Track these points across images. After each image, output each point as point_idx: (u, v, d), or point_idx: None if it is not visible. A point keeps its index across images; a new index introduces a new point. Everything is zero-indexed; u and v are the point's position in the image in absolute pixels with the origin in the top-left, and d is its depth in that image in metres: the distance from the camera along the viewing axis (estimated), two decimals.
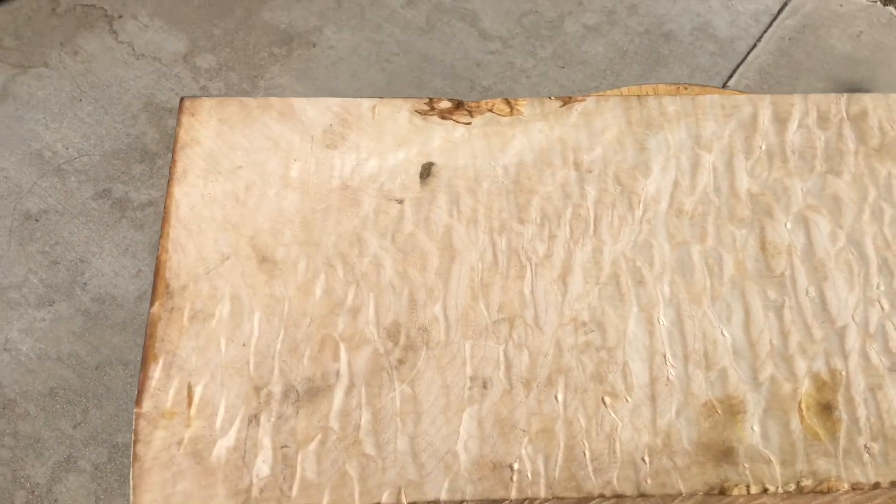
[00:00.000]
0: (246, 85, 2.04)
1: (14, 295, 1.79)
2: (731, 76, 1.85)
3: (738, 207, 0.66)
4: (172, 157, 0.64)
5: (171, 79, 2.08)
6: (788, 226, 0.66)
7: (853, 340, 0.62)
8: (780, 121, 0.70)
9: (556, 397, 0.59)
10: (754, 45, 1.87)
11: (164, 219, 0.63)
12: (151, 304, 0.60)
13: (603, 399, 0.59)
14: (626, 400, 0.59)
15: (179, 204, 0.63)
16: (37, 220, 1.85)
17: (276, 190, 0.64)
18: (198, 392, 0.57)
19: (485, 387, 0.59)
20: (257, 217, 0.63)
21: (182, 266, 0.61)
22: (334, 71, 1.91)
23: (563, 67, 2.00)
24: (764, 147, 0.69)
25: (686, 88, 0.83)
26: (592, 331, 0.61)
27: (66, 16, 2.12)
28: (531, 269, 0.63)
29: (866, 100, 0.71)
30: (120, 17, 2.10)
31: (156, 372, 0.58)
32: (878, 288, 0.64)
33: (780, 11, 1.92)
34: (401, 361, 0.59)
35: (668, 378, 0.60)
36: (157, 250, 0.61)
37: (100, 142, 1.97)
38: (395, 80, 1.92)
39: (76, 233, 1.86)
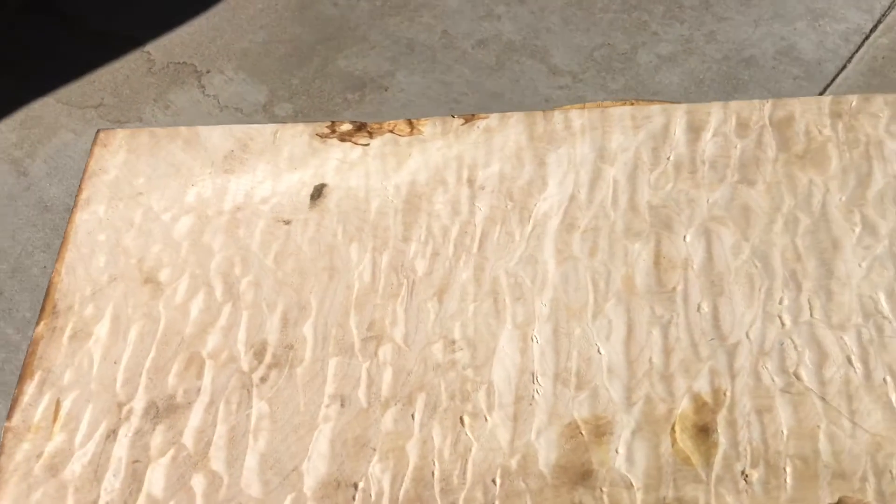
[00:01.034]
0: None
1: None
2: None
3: (634, 221, 0.63)
4: (80, 185, 0.67)
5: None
6: (687, 239, 0.62)
7: (744, 359, 0.57)
8: (694, 130, 0.66)
9: (412, 416, 0.57)
10: (844, 67, 1.77)
11: (62, 245, 0.65)
12: (37, 323, 0.63)
13: (461, 418, 0.57)
14: (486, 420, 0.57)
15: (78, 229, 0.66)
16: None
17: (171, 214, 0.66)
18: (65, 407, 0.59)
19: (342, 405, 0.58)
20: (148, 240, 0.65)
21: (71, 287, 0.64)
22: (405, 113, 1.94)
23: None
24: (672, 158, 0.65)
25: (633, 104, 0.80)
26: (461, 349, 0.59)
27: (160, 73, 2.26)
28: (407, 287, 0.62)
29: (794, 104, 0.66)
30: (208, 72, 2.22)
31: (30, 388, 0.60)
32: (780, 303, 0.58)
33: (872, 30, 1.82)
34: (263, 379, 0.59)
35: (533, 397, 0.57)
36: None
37: None
38: None
39: None
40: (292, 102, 2.09)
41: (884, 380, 0.55)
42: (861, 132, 0.64)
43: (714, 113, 0.66)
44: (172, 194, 0.67)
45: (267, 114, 2.05)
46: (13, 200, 2.10)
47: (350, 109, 2.04)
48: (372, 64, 2.09)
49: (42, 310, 0.63)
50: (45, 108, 2.28)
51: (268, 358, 0.60)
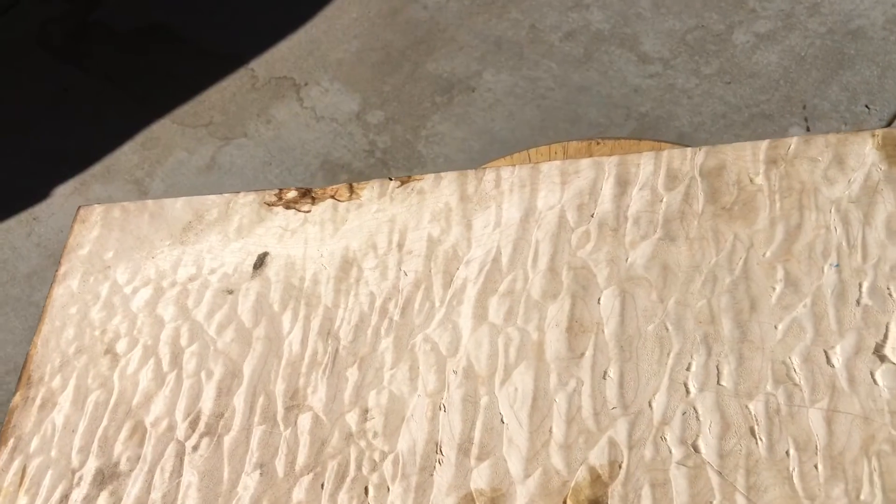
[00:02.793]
0: (409, 135, 2.16)
1: None
2: None
3: (552, 283, 0.62)
4: (60, 261, 0.74)
5: (344, 137, 2.26)
6: (602, 301, 0.60)
7: (644, 429, 0.55)
8: (622, 184, 0.64)
9: (322, 486, 0.59)
10: None
11: (40, 318, 0.72)
12: (14, 393, 0.69)
13: (366, 488, 0.58)
14: (388, 490, 0.58)
15: (55, 303, 0.72)
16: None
17: (132, 287, 0.71)
18: (29, 472, 0.65)
19: (261, 475, 0.61)
20: (111, 313, 0.70)
21: (44, 359, 0.70)
22: (491, 113, 1.96)
23: (729, 83, 1.90)
24: (596, 215, 0.64)
25: (599, 144, 0.78)
26: (373, 418, 0.61)
27: (263, 89, 2.37)
28: (332, 356, 0.64)
29: (727, 151, 0.63)
30: (306, 84, 2.31)
31: (3, 453, 0.67)
32: (688, 369, 0.57)
33: None
34: (194, 448, 0.63)
35: (435, 468, 0.58)
36: None
37: None
38: (549, 116, 1.95)
39: None
40: (383, 109, 2.14)
41: (786, 453, 0.52)
42: (796, 179, 0.61)
43: (644, 165, 0.64)
44: (135, 267, 0.72)
45: (360, 122, 2.12)
46: None
47: (438, 113, 2.08)
48: (460, 65, 2.11)
49: (19, 380, 0.69)
50: (161, 128, 2.44)
51: (201, 427, 0.64)
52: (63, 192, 2.34)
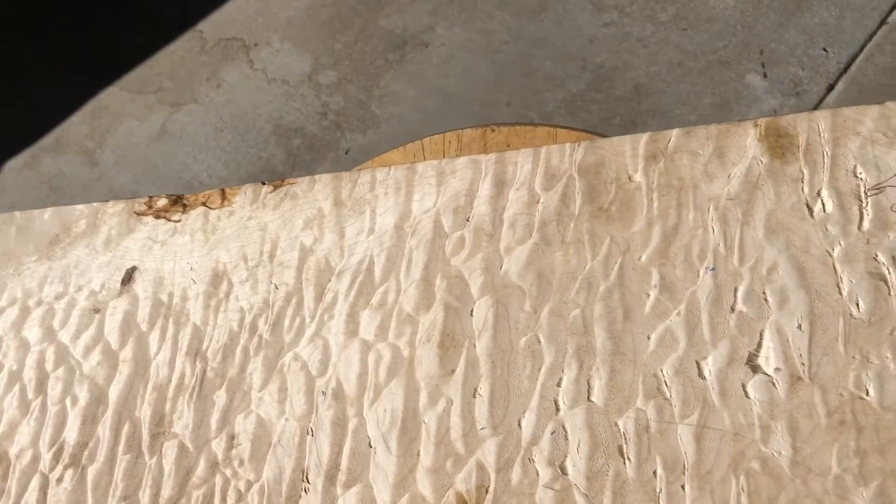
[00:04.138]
0: (363, 95, 2.11)
1: None
2: None
3: (425, 294, 0.59)
4: None
5: (297, 99, 2.21)
6: (475, 313, 0.57)
7: (512, 450, 0.53)
8: (499, 184, 0.61)
9: None
10: None
11: None
12: None
13: None
14: None
15: None
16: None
17: None
18: None
19: None
20: None
21: None
22: (445, 70, 1.92)
23: (685, 29, 1.87)
24: (472, 219, 0.60)
25: (493, 131, 0.74)
26: (240, 444, 0.58)
27: (212, 52, 2.31)
28: (198, 380, 0.61)
29: (606, 146, 0.60)
30: (256, 45, 2.25)
31: None
32: (558, 384, 0.54)
33: None
34: (59, 480, 0.60)
35: (300, 496, 0.55)
36: None
37: (237, 168, 2.13)
38: (504, 71, 1.91)
39: None
40: (336, 69, 2.09)
41: (654, 473, 0.50)
42: (675, 175, 0.58)
43: (522, 163, 0.61)
44: (1, 286, 0.68)
45: (312, 83, 2.07)
46: (88, 191, 2.21)
47: (391, 71, 2.03)
48: (412, 19, 2.06)
49: None
50: (110, 97, 2.37)
51: (65, 458, 0.61)
52: (13, 167, 2.28)
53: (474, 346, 0.56)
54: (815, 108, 1.77)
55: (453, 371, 0.56)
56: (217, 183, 2.08)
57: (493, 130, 0.74)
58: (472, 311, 0.57)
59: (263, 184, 0.66)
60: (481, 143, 0.74)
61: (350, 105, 2.10)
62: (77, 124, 2.29)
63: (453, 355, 0.56)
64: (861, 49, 1.80)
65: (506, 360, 0.55)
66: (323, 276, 0.62)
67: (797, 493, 0.47)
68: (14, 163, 2.24)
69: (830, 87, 1.77)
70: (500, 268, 0.58)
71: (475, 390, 0.55)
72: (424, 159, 0.76)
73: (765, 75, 1.83)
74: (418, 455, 0.54)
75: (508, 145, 0.73)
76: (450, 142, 0.76)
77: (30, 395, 0.64)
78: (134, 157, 2.19)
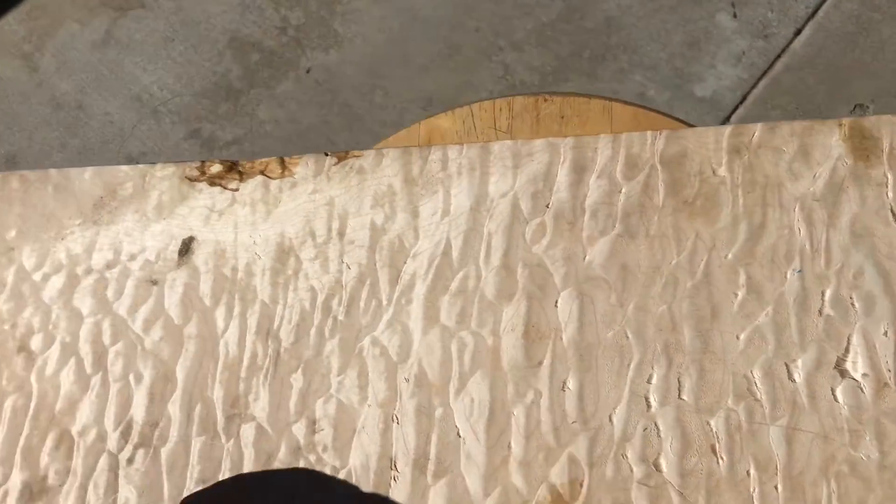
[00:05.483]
0: (324, 11, 2.04)
1: None
2: None
3: (507, 282, 0.59)
4: None
5: (253, 11, 2.11)
6: (559, 304, 0.58)
7: (605, 445, 0.54)
8: (578, 170, 0.60)
9: None
10: None
11: None
12: None
13: None
14: None
15: None
16: (137, 163, 1.96)
17: (41, 273, 0.65)
18: None
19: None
20: (20, 303, 0.64)
21: None
22: None
23: None
24: (552, 205, 0.60)
25: (546, 101, 0.73)
26: (322, 429, 0.58)
27: None
28: (272, 360, 0.60)
29: (689, 137, 0.60)
30: None
31: None
32: (649, 381, 0.55)
33: None
34: (129, 461, 0.59)
35: (389, 486, 0.56)
36: None
37: (190, 82, 2.04)
38: None
39: None
40: None
41: (747, 473, 0.52)
42: (760, 172, 0.58)
43: (601, 149, 0.60)
44: (43, 250, 0.65)
45: None
46: (27, 98, 2.09)
47: None
48: None
49: None
50: None
51: (134, 437, 0.60)
52: None
53: (560, 338, 0.57)
54: (782, 53, 1.78)
55: (540, 363, 0.57)
56: (169, 97, 1.99)
57: (545, 100, 0.72)
58: (556, 301, 0.58)
59: (326, 154, 0.64)
60: (534, 112, 0.73)
61: (311, 21, 2.02)
62: (12, 24, 2.14)
63: (539, 347, 0.57)
64: None
65: (593, 353, 0.56)
66: (397, 257, 0.61)
67: (885, 495, 0.50)
68: None
69: (798, 32, 1.78)
70: (584, 258, 0.58)
71: (563, 383, 0.56)
72: (475, 126, 0.74)
73: (735, 15, 1.83)
74: (509, 447, 0.55)
75: (562, 116, 0.72)
76: (500, 109, 0.74)
77: (88, 370, 0.62)
78: (77, 64, 2.08)
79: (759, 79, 1.79)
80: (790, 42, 1.78)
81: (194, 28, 2.11)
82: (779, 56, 1.79)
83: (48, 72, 2.11)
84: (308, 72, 1.98)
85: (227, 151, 1.96)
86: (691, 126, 0.73)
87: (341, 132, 1.93)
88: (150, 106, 2.02)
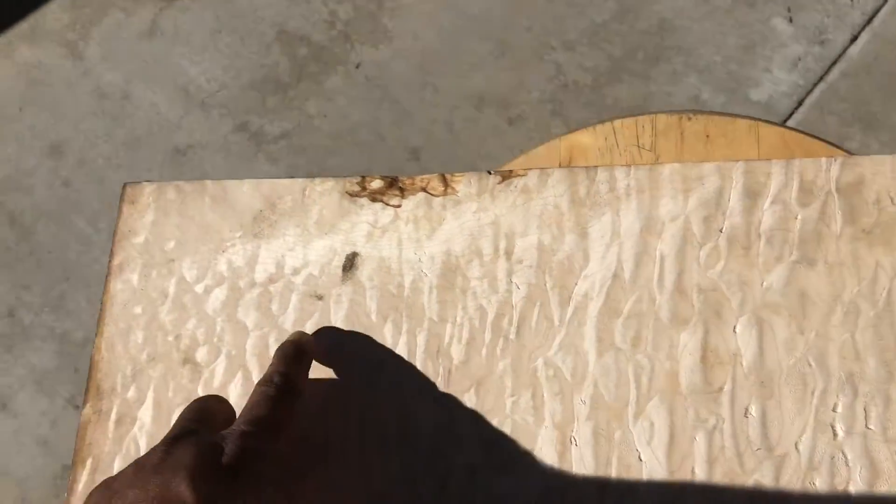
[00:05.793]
0: (373, 6, 2.03)
1: None
2: None
3: (681, 307, 0.59)
4: (112, 248, 0.66)
5: (301, 4, 2.11)
6: (738, 329, 0.58)
7: (791, 473, 0.55)
8: (752, 195, 0.61)
9: None
10: None
11: (99, 317, 0.65)
12: (83, 404, 0.64)
13: None
14: None
15: (114, 300, 0.65)
16: (184, 155, 1.97)
17: (203, 285, 0.65)
18: None
19: None
20: (183, 315, 0.64)
21: (112, 367, 0.64)
22: None
23: None
24: (725, 230, 0.60)
25: (690, 119, 0.73)
26: (499, 449, 0.58)
27: None
28: (443, 377, 0.60)
29: (865, 164, 0.60)
30: None
31: (83, 475, 0.62)
32: (834, 409, 0.56)
33: None
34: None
35: None
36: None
37: (238, 74, 2.04)
38: None
39: (218, 166, 1.96)
40: None
41: None
42: None
43: (774, 174, 0.61)
44: (204, 262, 0.65)
45: None
46: (72, 87, 2.09)
47: None
48: None
49: (86, 389, 0.64)
50: None
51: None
52: None
53: (741, 363, 0.57)
54: (838, 59, 1.78)
55: (720, 388, 0.57)
56: (216, 89, 1.99)
57: (689, 119, 0.73)
58: (734, 327, 0.58)
59: (489, 173, 0.64)
60: (677, 130, 0.73)
61: (360, 16, 2.01)
62: (56, 11, 2.14)
63: (719, 372, 0.57)
64: (885, 1, 1.81)
65: (775, 380, 0.57)
66: (567, 278, 0.61)
67: None
68: None
69: (854, 38, 1.79)
70: (761, 284, 0.59)
71: (746, 409, 0.56)
72: (617, 143, 0.75)
73: (790, 20, 1.83)
74: (692, 471, 0.56)
75: (707, 136, 0.72)
76: (643, 126, 0.74)
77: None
78: (122, 54, 2.07)
79: (815, 84, 1.79)
80: (846, 48, 1.79)
81: (241, 20, 2.10)
82: (835, 62, 1.79)
83: (93, 61, 2.10)
84: (357, 67, 1.98)
85: (275, 145, 1.96)
86: (836, 147, 0.73)
87: (391, 128, 1.93)
88: (198, 98, 2.02)
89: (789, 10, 1.79)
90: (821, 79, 1.76)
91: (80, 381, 1.84)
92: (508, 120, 1.85)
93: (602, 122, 0.75)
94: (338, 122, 1.91)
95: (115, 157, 1.94)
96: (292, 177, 1.92)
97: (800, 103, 1.77)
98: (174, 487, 0.47)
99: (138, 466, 0.49)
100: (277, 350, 0.58)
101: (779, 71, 1.77)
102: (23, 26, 2.08)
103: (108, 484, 0.50)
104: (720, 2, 1.83)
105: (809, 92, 1.76)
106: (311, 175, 1.95)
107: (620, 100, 1.81)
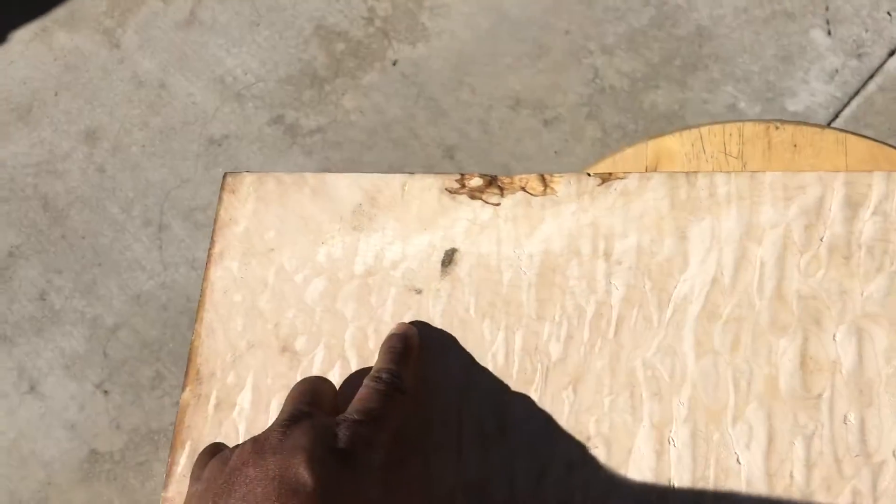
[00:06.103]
0: (412, 4, 2.04)
1: (201, 217, 1.93)
2: None
3: (781, 313, 0.60)
4: (212, 236, 0.67)
5: (340, 0, 2.11)
6: (837, 337, 0.59)
7: (889, 479, 0.56)
8: (853, 206, 0.62)
9: None
10: None
11: (199, 302, 0.66)
12: (183, 388, 0.65)
13: None
14: None
15: (214, 287, 0.66)
16: (219, 145, 1.98)
17: (302, 275, 0.66)
18: None
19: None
20: (282, 304, 0.65)
21: (211, 352, 0.65)
22: None
23: None
24: (826, 239, 0.61)
25: (777, 129, 0.74)
26: (597, 447, 0.59)
27: None
28: (541, 374, 0.61)
29: None
30: None
31: (182, 458, 0.63)
32: None
33: None
34: None
35: None
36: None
37: (275, 67, 2.05)
38: None
39: (253, 158, 1.97)
40: None
41: None
42: None
43: (875, 185, 0.62)
44: (303, 252, 0.66)
45: None
46: (108, 74, 2.09)
47: None
48: None
49: (186, 374, 0.65)
50: None
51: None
52: (22, 38, 2.14)
53: (840, 371, 0.58)
54: (875, 73, 1.79)
55: (819, 395, 0.58)
56: (252, 81, 2.00)
57: (776, 128, 0.74)
58: (833, 335, 0.59)
59: (589, 175, 0.65)
60: (765, 139, 0.74)
61: (398, 13, 2.02)
62: None
63: (818, 379, 0.59)
64: None
65: (874, 389, 0.58)
66: (667, 281, 0.62)
67: None
68: (23, 33, 2.09)
69: (892, 52, 1.79)
70: (861, 294, 0.60)
71: (845, 416, 0.58)
72: (703, 149, 0.76)
73: (829, 32, 1.84)
74: (791, 476, 0.57)
75: (795, 145, 0.73)
76: (730, 134, 0.75)
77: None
78: (160, 42, 2.08)
79: (852, 97, 1.80)
80: (884, 62, 1.80)
81: (280, 14, 2.11)
82: (872, 76, 1.80)
83: (130, 48, 2.11)
84: (395, 64, 1.98)
85: (310, 139, 1.97)
86: None
87: (427, 126, 1.94)
88: (234, 89, 2.03)
89: (828, 22, 1.80)
90: (857, 92, 1.77)
91: (109, 365, 1.85)
92: (544, 121, 1.86)
93: (688, 127, 0.76)
94: (373, 117, 1.92)
95: (149, 145, 1.95)
96: (328, 170, 1.92)
97: (836, 115, 1.78)
98: (293, 469, 0.48)
99: (257, 445, 0.50)
100: (385, 343, 0.59)
101: (816, 82, 1.78)
102: (60, 12, 2.09)
103: (224, 458, 0.51)
104: (759, 12, 1.84)
105: (846, 104, 1.78)
106: (346, 169, 1.95)
107: (657, 105, 1.83)
